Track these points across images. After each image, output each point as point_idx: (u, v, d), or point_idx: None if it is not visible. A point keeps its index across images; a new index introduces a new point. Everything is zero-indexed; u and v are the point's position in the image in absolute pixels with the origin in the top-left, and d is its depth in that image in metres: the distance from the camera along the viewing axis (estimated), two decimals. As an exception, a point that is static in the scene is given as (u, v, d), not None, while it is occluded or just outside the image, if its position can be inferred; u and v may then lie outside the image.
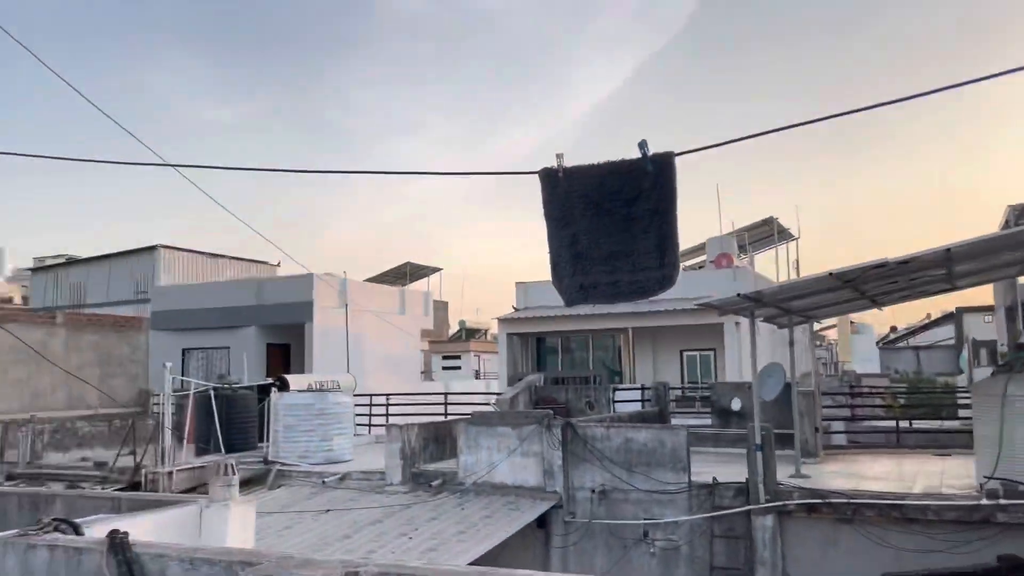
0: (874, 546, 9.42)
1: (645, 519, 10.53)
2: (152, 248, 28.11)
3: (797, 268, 29.51)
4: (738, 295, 9.65)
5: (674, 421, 16.01)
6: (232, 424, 14.85)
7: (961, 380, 24.30)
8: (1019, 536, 8.80)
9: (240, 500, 3.59)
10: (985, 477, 9.33)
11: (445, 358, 46.88)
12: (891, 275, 9.12)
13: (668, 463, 10.58)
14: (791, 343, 12.23)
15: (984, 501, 9.04)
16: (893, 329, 56.17)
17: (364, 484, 12.04)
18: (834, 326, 43.06)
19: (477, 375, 45.32)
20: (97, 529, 2.82)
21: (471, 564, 7.49)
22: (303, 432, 13.76)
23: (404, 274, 37.21)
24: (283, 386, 14.77)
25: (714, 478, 10.39)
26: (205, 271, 29.62)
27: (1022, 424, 9.22)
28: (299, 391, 14.33)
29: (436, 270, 38.95)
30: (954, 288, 12.13)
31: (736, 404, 14.94)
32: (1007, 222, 23.26)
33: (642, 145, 3.94)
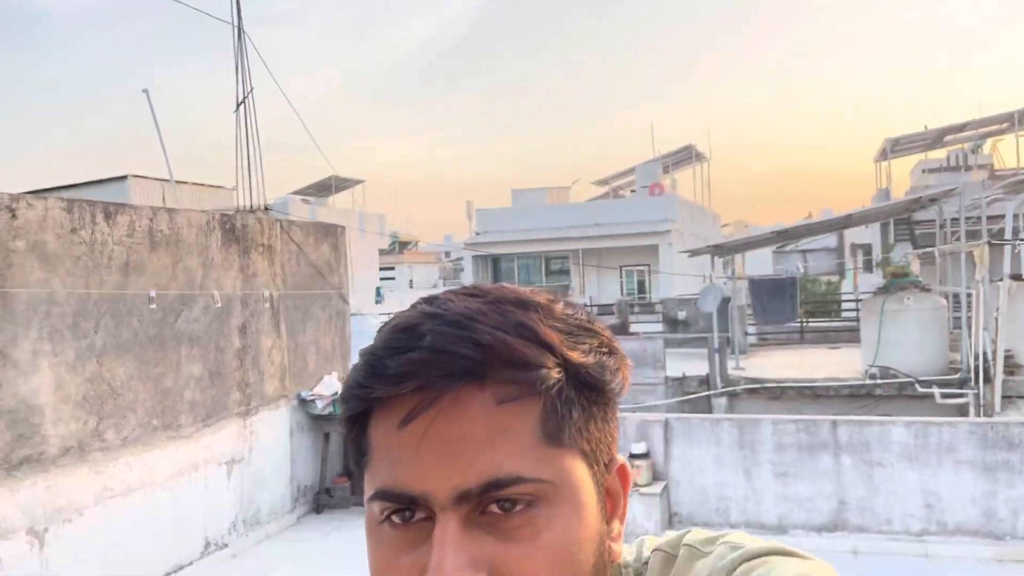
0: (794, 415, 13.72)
1: (633, 405, 14.54)
2: (122, 178, 29.66)
3: (709, 188, 34.21)
4: (708, 246, 13.47)
5: (631, 328, 20.06)
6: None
7: (846, 286, 29.32)
8: (890, 403, 13.24)
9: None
10: (868, 365, 13.69)
11: (381, 269, 49.71)
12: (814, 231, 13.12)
13: (650, 363, 14.56)
14: (733, 273, 16.33)
15: (867, 381, 13.40)
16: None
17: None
18: (728, 225, 48.07)
19: (411, 285, 48.53)
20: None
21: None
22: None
23: (329, 187, 38.94)
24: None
25: (683, 373, 14.45)
26: (170, 199, 31.37)
27: (891, 328, 13.55)
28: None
29: (359, 182, 40.67)
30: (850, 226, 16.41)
31: (682, 314, 19.07)
32: (883, 151, 28.11)
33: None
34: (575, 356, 0.58)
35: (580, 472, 0.59)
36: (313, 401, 7.45)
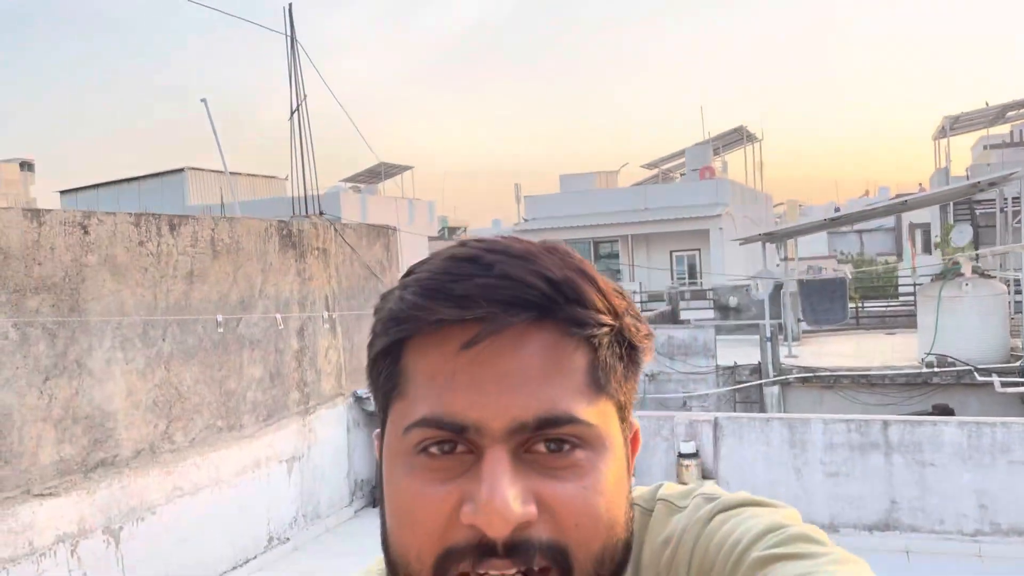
0: (849, 404, 13.58)
1: (684, 393, 14.55)
2: (179, 170, 30.42)
3: (761, 169, 33.76)
4: (760, 235, 13.36)
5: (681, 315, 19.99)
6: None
7: (902, 268, 28.66)
8: (946, 392, 13.02)
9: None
10: (925, 353, 13.47)
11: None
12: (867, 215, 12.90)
13: (701, 352, 14.53)
14: (785, 258, 16.15)
15: (924, 369, 13.19)
16: (837, 210, 61.06)
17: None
18: (781, 204, 47.21)
19: (461, 270, 48.68)
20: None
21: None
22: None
23: (379, 174, 39.15)
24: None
25: (735, 361, 14.40)
26: (226, 190, 32.00)
27: (949, 316, 13.31)
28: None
29: (408, 168, 40.74)
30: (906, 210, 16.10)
31: (733, 301, 18.94)
32: (942, 129, 27.36)
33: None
34: (622, 310, 0.59)
35: (616, 424, 0.59)
36: (369, 398, 7.68)
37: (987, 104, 25.16)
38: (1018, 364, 13.16)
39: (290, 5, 7.44)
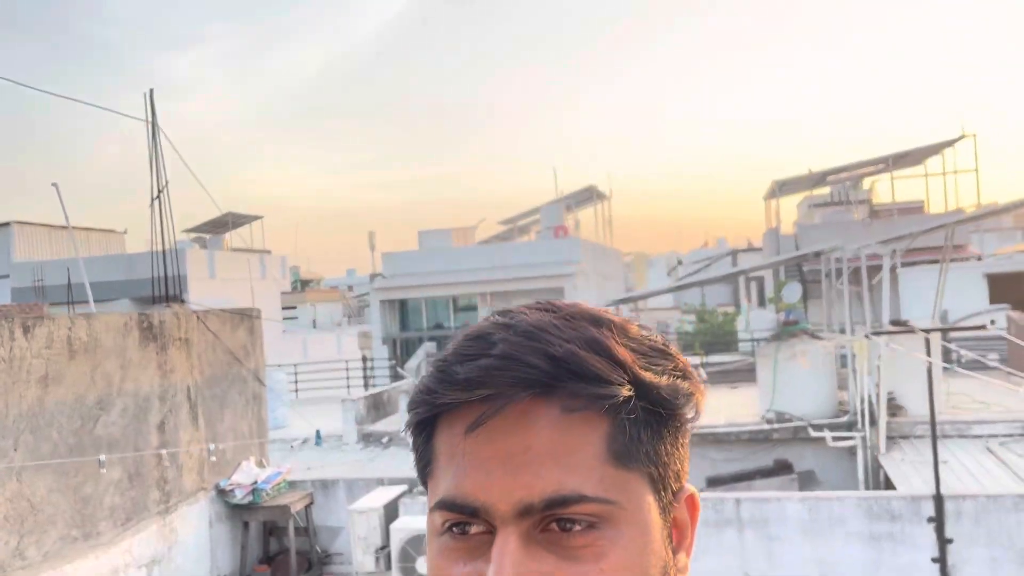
0: (699, 459, 14.33)
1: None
2: (5, 225, 28.19)
3: (610, 224, 35.43)
4: (614, 301, 14.02)
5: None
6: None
7: (740, 321, 30.60)
8: (786, 446, 14.02)
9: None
10: (766, 410, 14.47)
11: (284, 309, 48.43)
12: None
13: (561, 414, 14.96)
14: (635, 309, 17.04)
15: (765, 426, 14.16)
16: (679, 263, 64.58)
17: (326, 445, 15.53)
18: (629, 254, 49.41)
19: (314, 325, 47.67)
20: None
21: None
22: (257, 406, 16.82)
23: (226, 224, 37.72)
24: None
25: (593, 422, 14.90)
26: (60, 246, 29.97)
27: (785, 375, 14.41)
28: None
29: (257, 218, 39.44)
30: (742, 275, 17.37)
31: (589, 359, 19.61)
32: (772, 191, 29.71)
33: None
34: (648, 376, 0.57)
35: (647, 496, 0.57)
36: (232, 491, 7.45)
37: (810, 171, 27.65)
38: (845, 419, 14.36)
39: (151, 91, 7.29)
